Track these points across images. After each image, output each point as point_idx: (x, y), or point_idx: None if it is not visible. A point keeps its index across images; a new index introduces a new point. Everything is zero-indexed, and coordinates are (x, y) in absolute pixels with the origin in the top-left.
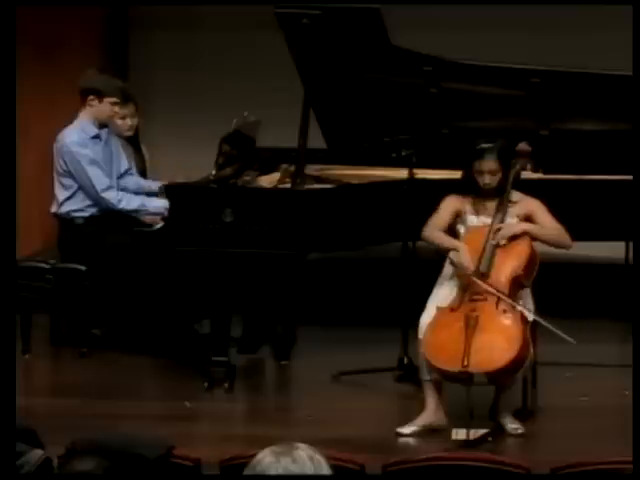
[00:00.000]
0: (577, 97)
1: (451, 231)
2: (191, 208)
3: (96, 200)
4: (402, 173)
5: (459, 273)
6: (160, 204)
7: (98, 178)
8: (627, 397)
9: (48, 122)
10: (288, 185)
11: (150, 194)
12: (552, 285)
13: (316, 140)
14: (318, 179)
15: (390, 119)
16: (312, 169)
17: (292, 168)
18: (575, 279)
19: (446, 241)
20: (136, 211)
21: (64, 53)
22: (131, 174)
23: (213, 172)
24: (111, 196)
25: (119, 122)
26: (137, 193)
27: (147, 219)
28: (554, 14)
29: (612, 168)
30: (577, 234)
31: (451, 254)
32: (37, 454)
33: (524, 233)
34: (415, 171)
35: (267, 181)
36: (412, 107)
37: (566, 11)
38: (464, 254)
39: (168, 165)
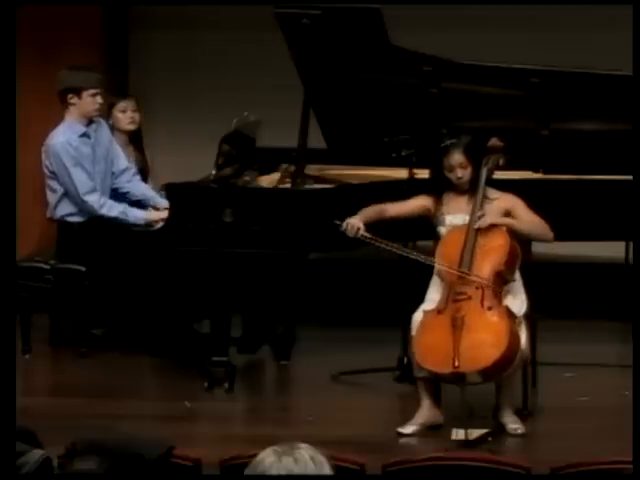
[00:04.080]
0: (577, 97)
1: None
2: (191, 208)
3: (78, 203)
4: (402, 173)
5: (441, 273)
6: (140, 215)
7: (81, 181)
8: (627, 397)
9: (48, 122)
10: (288, 185)
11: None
12: (552, 285)
13: (316, 140)
14: (318, 179)
15: (390, 119)
16: (312, 169)
17: (292, 168)
18: (575, 279)
19: (359, 214)
20: (115, 219)
21: (64, 53)
22: (136, 176)
23: (213, 172)
24: (93, 200)
25: (120, 115)
26: (139, 201)
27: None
28: (554, 14)
29: (612, 168)
30: (577, 234)
31: None
32: (37, 454)
33: (503, 228)
34: (415, 171)
35: (267, 181)
36: (412, 107)
37: (566, 11)
38: (352, 217)
39: (168, 165)
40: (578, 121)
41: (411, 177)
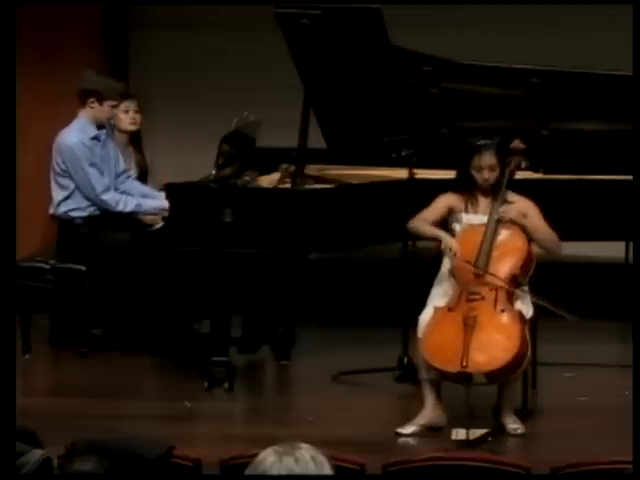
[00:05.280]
0: (577, 97)
1: (444, 228)
2: (191, 208)
3: (94, 201)
4: (402, 173)
5: (455, 271)
6: (156, 204)
7: (97, 179)
8: (627, 397)
9: (48, 122)
10: (288, 185)
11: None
12: (552, 285)
13: (316, 140)
14: (318, 179)
15: (390, 119)
16: (312, 169)
17: (292, 168)
18: (575, 279)
19: (428, 231)
20: (133, 212)
21: (64, 53)
22: (129, 177)
23: (213, 172)
24: (109, 198)
25: (122, 116)
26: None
27: (147, 219)
28: (554, 14)
29: (612, 168)
30: (577, 234)
31: (442, 244)
32: (37, 454)
33: (522, 232)
34: (415, 171)
35: (267, 181)
36: (412, 107)
37: (566, 11)
38: (448, 238)
39: (168, 165)
40: (578, 121)
41: (411, 177)
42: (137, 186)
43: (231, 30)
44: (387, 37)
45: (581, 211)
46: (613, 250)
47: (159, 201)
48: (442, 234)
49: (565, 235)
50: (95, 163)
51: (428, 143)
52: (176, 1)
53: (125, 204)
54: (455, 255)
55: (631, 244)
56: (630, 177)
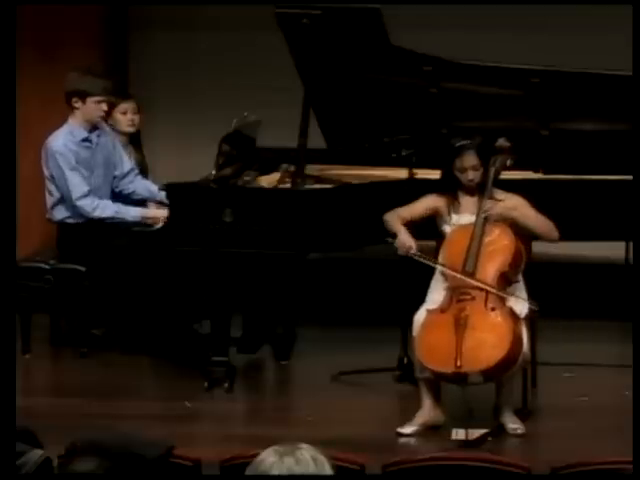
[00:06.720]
0: (577, 97)
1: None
2: (191, 208)
3: (71, 207)
4: (402, 173)
5: (446, 272)
6: (136, 213)
7: (76, 185)
8: (627, 397)
9: (48, 122)
10: (288, 185)
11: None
12: (552, 285)
13: (316, 140)
14: (318, 179)
15: (390, 119)
16: (312, 169)
17: (292, 168)
18: (575, 279)
19: (391, 225)
20: (111, 218)
21: (64, 53)
22: (138, 175)
23: (213, 172)
24: (85, 204)
25: (120, 117)
26: (145, 199)
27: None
28: (554, 14)
29: (612, 168)
30: (577, 234)
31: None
32: (37, 454)
33: (508, 230)
34: (415, 171)
35: (267, 181)
36: (412, 107)
37: (566, 11)
38: (402, 235)
39: (168, 165)
40: (578, 121)
41: (411, 177)
42: (147, 185)
43: (231, 30)
44: (387, 37)
45: (581, 211)
46: (613, 250)
47: (140, 209)
48: (399, 230)
49: (565, 235)
50: (78, 167)
51: (428, 143)
52: (176, 1)
53: (102, 210)
54: (398, 247)
55: (631, 244)
56: (630, 177)
